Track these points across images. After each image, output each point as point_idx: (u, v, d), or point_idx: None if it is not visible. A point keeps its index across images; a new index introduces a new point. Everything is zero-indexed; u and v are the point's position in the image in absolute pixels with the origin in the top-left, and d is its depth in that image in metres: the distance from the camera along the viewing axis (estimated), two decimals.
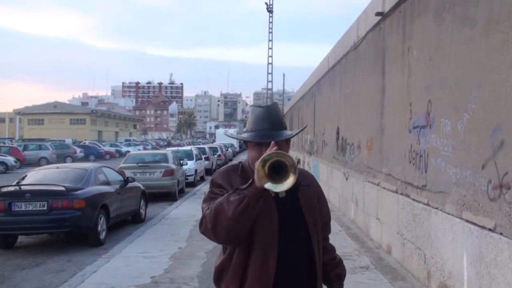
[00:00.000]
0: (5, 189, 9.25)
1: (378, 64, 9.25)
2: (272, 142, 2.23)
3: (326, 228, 2.69)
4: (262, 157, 2.11)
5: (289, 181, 2.09)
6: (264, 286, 2.32)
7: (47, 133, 73.70)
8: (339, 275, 2.67)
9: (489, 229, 4.63)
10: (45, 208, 8.86)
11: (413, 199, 6.94)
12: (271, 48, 56.60)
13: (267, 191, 2.12)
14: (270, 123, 2.41)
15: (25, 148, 39.41)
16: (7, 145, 41.40)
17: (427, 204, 6.37)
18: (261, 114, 2.44)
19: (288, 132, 2.44)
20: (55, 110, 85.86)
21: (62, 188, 9.07)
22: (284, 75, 62.65)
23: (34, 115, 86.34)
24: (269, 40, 56.51)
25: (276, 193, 2.13)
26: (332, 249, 2.73)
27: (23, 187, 9.23)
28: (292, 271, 2.39)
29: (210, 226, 2.24)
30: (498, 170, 4.52)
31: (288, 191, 2.17)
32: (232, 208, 2.15)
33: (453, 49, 5.69)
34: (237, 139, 2.65)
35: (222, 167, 2.56)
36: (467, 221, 5.12)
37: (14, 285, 7.07)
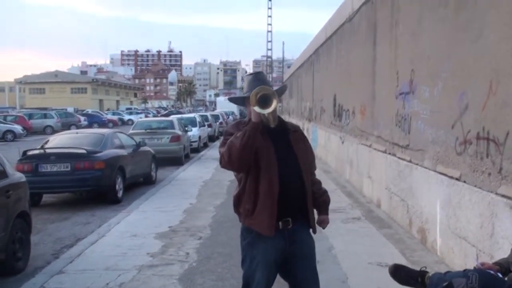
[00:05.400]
0: (31, 152, 10.20)
1: (370, 36, 10.07)
2: None
3: (312, 165, 3.60)
4: (254, 91, 3.07)
5: (273, 105, 3.07)
6: (271, 202, 3.24)
7: (49, 102, 74.10)
8: (325, 201, 3.63)
9: (456, 179, 5.58)
10: (69, 169, 9.84)
11: (399, 157, 7.88)
12: (270, 16, 56.92)
13: (260, 124, 3.11)
14: (260, 83, 3.32)
15: (31, 117, 40.20)
16: (13, 113, 42.25)
17: (410, 161, 7.32)
18: (253, 78, 3.49)
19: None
20: (56, 79, 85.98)
21: (84, 151, 10.03)
22: (283, 43, 63.07)
23: (35, 84, 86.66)
24: (269, 8, 56.79)
25: (270, 126, 3.17)
26: (319, 182, 3.66)
27: (48, 150, 10.17)
28: (290, 191, 3.30)
29: (226, 159, 3.20)
30: (463, 129, 5.45)
31: (280, 133, 3.31)
32: (238, 141, 3.11)
33: (430, 25, 6.55)
34: (239, 98, 3.61)
35: (233, 121, 3.51)
36: (440, 173, 6.08)
37: (49, 234, 8.09)
